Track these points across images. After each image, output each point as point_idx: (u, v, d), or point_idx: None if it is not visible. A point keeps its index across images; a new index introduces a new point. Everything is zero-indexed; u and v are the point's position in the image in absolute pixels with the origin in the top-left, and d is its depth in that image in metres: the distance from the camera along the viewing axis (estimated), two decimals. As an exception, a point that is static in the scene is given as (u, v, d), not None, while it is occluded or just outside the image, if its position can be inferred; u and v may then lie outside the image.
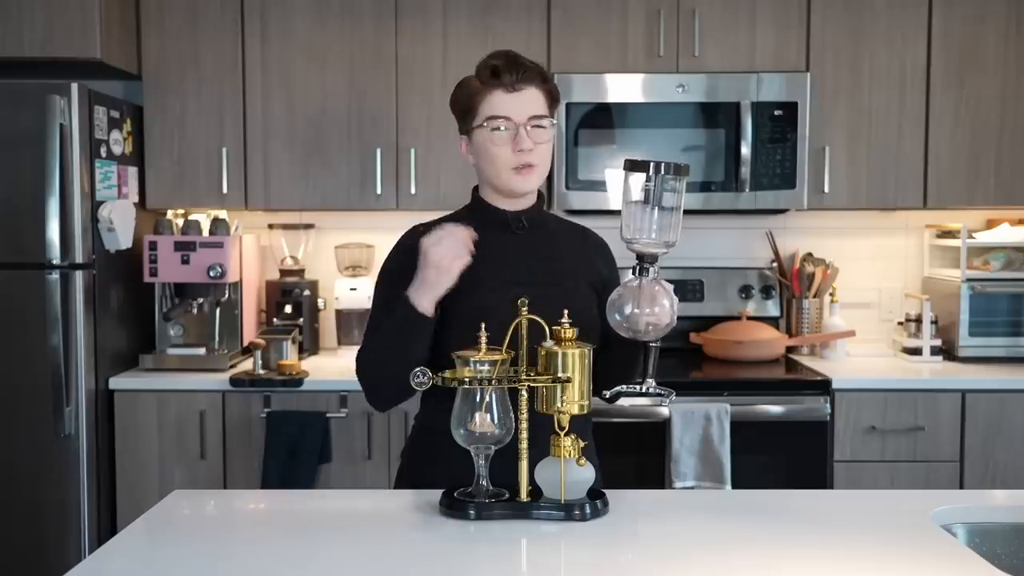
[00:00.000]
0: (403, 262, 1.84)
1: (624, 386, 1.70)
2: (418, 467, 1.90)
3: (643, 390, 1.67)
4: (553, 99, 1.88)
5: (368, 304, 3.45)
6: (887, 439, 3.10)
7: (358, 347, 1.87)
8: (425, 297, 1.75)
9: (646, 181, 1.61)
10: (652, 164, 1.60)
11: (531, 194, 1.91)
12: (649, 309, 1.64)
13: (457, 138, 1.93)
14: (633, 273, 1.66)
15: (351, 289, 3.48)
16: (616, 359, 1.80)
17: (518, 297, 1.62)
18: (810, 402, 3.06)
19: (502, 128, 1.82)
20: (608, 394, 1.72)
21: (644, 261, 1.65)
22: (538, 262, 1.89)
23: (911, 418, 3.09)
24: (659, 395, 1.67)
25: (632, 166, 1.63)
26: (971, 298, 3.38)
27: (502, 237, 1.89)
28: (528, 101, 1.83)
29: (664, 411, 3.00)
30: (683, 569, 1.42)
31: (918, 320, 3.46)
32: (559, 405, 1.59)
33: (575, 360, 1.58)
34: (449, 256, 1.73)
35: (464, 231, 1.77)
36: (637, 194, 1.62)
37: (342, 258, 3.59)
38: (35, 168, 2.90)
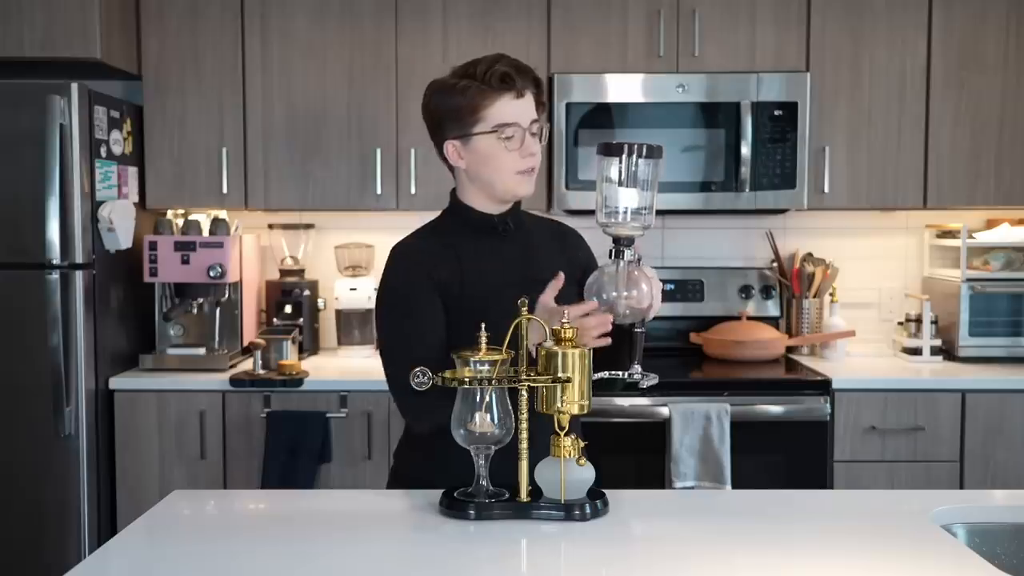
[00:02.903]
0: (408, 278, 1.82)
1: (607, 372, 1.69)
2: (415, 467, 1.90)
3: (627, 376, 1.67)
4: (541, 102, 1.90)
5: (368, 304, 3.45)
6: (887, 439, 3.09)
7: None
8: None
9: (620, 164, 1.62)
10: (626, 147, 1.61)
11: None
12: (627, 293, 1.64)
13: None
14: (610, 257, 1.66)
15: (351, 289, 3.48)
16: (602, 350, 1.75)
17: (515, 299, 1.61)
18: (810, 402, 3.06)
19: (513, 134, 1.82)
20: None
21: (620, 244, 1.65)
22: (528, 261, 1.89)
23: (911, 418, 3.09)
24: (643, 376, 1.66)
25: (606, 150, 1.63)
26: (971, 298, 3.38)
27: (489, 241, 1.89)
28: (530, 106, 1.85)
29: (664, 411, 3.00)
30: (683, 569, 1.42)
31: (918, 320, 3.45)
32: (559, 405, 1.58)
33: (575, 360, 1.58)
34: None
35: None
36: (612, 177, 1.63)
37: (342, 258, 3.59)
38: (35, 168, 2.90)
